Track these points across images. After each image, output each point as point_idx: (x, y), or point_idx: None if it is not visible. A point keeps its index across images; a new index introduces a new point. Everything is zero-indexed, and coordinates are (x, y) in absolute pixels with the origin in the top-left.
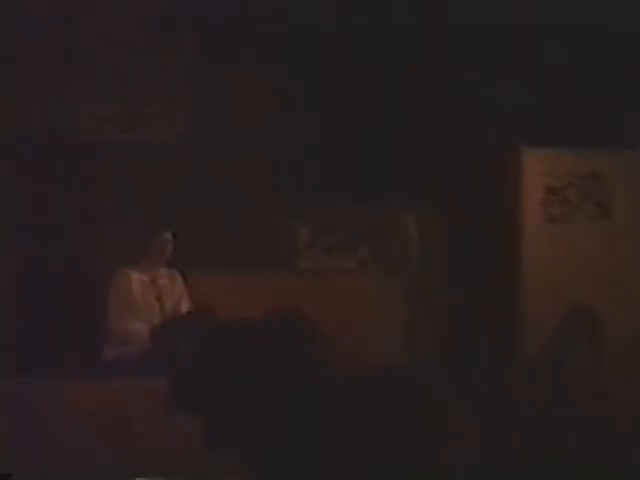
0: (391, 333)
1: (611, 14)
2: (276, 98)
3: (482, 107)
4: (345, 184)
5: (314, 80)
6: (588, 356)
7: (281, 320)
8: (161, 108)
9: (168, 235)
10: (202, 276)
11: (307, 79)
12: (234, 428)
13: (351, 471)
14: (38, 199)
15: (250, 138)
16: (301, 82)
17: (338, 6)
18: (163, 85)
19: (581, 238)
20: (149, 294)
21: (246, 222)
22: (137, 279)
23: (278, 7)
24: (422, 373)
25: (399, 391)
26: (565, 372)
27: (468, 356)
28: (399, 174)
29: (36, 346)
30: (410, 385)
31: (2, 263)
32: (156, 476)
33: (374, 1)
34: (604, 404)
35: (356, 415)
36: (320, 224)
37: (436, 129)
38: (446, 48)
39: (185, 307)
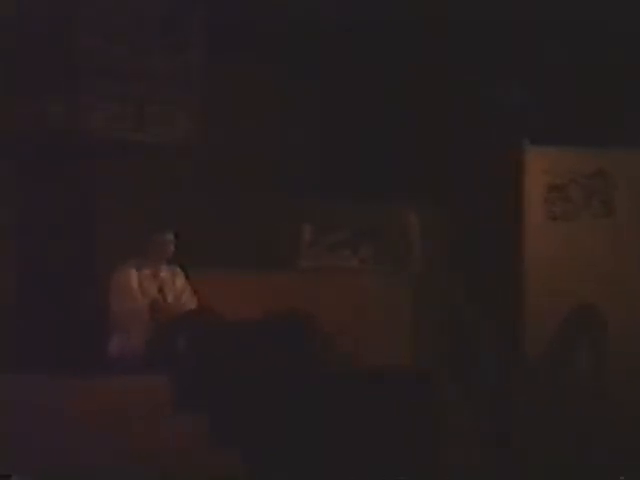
0: (392, 332)
1: (612, 14)
2: (276, 98)
3: (483, 106)
4: (346, 183)
5: (314, 80)
6: (590, 355)
7: (282, 319)
8: (164, 107)
9: (170, 235)
10: (203, 275)
11: (307, 79)
12: (235, 427)
13: (351, 471)
14: (40, 198)
15: (252, 138)
16: (301, 82)
17: (338, 6)
18: (167, 84)
19: (584, 236)
20: (151, 289)
21: (247, 221)
22: (138, 275)
23: (278, 7)
24: (423, 373)
25: (400, 391)
26: (567, 371)
27: (469, 355)
28: (400, 173)
29: (36, 344)
30: (411, 385)
31: (6, 262)
32: (157, 476)
33: (374, 1)
34: (606, 403)
35: (357, 415)
36: (321, 223)
37: (437, 128)
38: (446, 48)
39: (187, 301)
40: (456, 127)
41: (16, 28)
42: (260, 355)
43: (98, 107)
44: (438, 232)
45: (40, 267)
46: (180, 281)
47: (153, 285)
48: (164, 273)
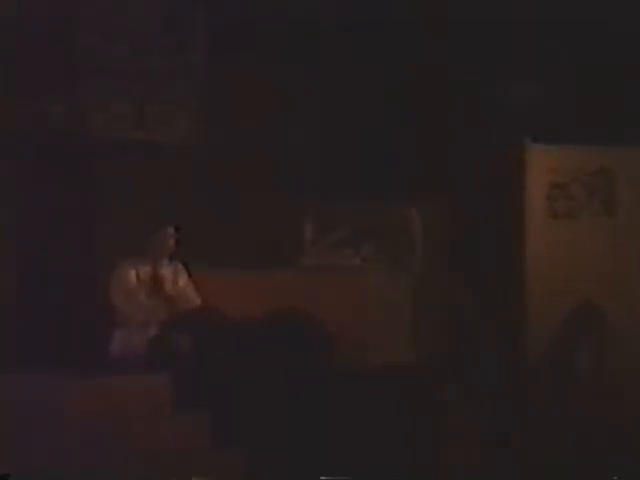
0: (393, 331)
1: (612, 14)
2: (277, 98)
3: (484, 105)
4: (348, 182)
5: (315, 80)
6: (591, 354)
7: (283, 318)
8: (164, 107)
9: (170, 229)
10: (205, 274)
11: (307, 79)
12: (236, 427)
13: (354, 470)
14: (43, 198)
15: (253, 137)
16: (302, 82)
17: (338, 6)
18: (167, 84)
19: (586, 235)
20: (152, 287)
21: (249, 220)
22: (140, 273)
23: (278, 7)
24: (425, 372)
25: (401, 390)
26: (568, 371)
27: (471, 355)
28: (402, 172)
29: (37, 344)
30: (412, 384)
31: (9, 261)
32: (158, 476)
33: (374, 1)
34: (608, 403)
35: (358, 414)
36: (323, 222)
37: (438, 127)
38: (446, 48)
39: (190, 299)
40: (457, 126)
41: (16, 28)
42: (262, 354)
43: (98, 107)
44: (440, 231)
45: (40, 267)
46: (182, 279)
47: (155, 283)
48: (166, 271)
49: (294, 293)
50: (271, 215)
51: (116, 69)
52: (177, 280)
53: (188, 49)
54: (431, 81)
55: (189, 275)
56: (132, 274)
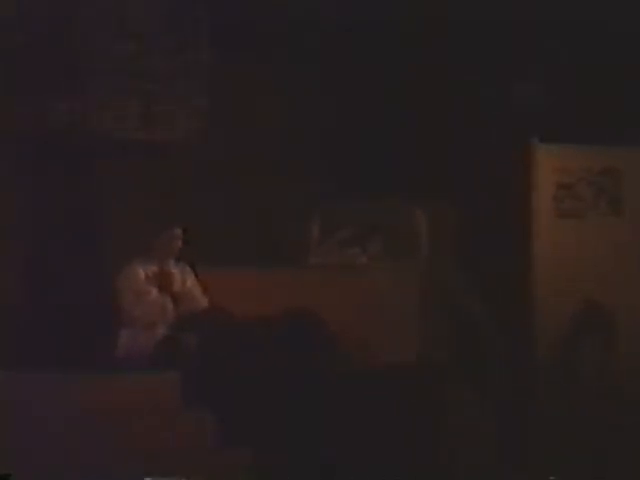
0: (399, 330)
1: (616, 13)
2: (282, 97)
3: (492, 104)
4: (355, 181)
5: (324, 79)
6: (597, 354)
7: (290, 317)
8: (170, 106)
9: (178, 231)
10: (211, 273)
11: (316, 78)
12: (241, 426)
13: (360, 470)
14: (45, 198)
15: (260, 136)
16: (308, 81)
17: (338, 6)
18: (172, 83)
19: (593, 234)
20: (159, 287)
21: (255, 219)
22: (146, 273)
23: (278, 7)
24: (430, 372)
25: (406, 390)
26: (574, 370)
27: (478, 353)
28: (408, 172)
29: (41, 343)
30: (417, 384)
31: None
32: (164, 474)
33: (374, 1)
34: (614, 403)
35: (364, 414)
36: (330, 221)
37: (446, 127)
38: (447, 47)
39: (196, 299)
40: (463, 126)
41: (18, 27)
42: (269, 353)
43: (103, 106)
44: (446, 230)
45: (45, 267)
46: (190, 280)
47: (163, 280)
48: (173, 271)
49: (300, 292)
50: (277, 214)
51: (122, 68)
52: (185, 280)
53: (189, 49)
54: (433, 80)
55: (196, 276)
56: (140, 273)
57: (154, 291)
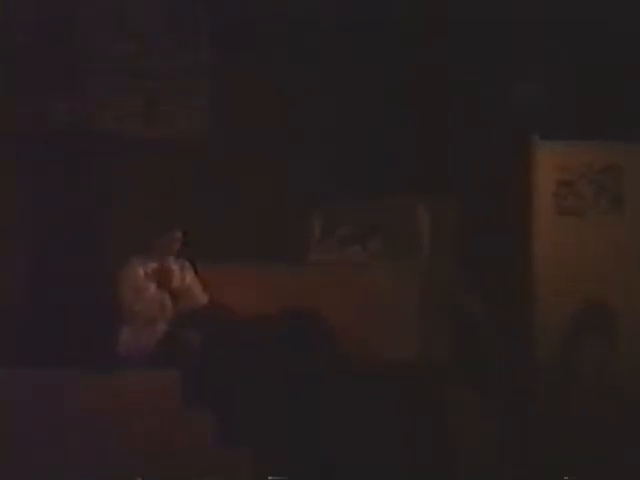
0: (399, 329)
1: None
2: (287, 96)
3: (492, 103)
4: (356, 180)
5: (327, 78)
6: (598, 354)
7: (290, 315)
8: (173, 105)
9: (178, 234)
10: (211, 270)
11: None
12: (242, 424)
13: (361, 470)
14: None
15: (263, 135)
16: (312, 81)
17: (338, 6)
18: (176, 82)
19: (593, 232)
20: (159, 285)
21: (256, 217)
22: (146, 271)
23: (278, 7)
24: (429, 371)
25: (406, 389)
26: (575, 371)
27: (478, 352)
28: (409, 170)
29: (45, 341)
30: (417, 383)
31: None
32: (165, 474)
33: (374, 1)
34: (615, 404)
35: (365, 412)
36: (331, 219)
37: (447, 125)
38: (448, 47)
39: (196, 296)
40: (464, 124)
41: (21, 27)
42: (268, 351)
43: (106, 105)
44: (446, 229)
45: (47, 266)
46: (189, 276)
47: (163, 277)
48: (172, 267)
49: (301, 290)
50: (278, 212)
51: (126, 67)
52: (184, 277)
53: (189, 49)
54: (433, 80)
55: (196, 273)
56: (140, 270)
57: (153, 287)
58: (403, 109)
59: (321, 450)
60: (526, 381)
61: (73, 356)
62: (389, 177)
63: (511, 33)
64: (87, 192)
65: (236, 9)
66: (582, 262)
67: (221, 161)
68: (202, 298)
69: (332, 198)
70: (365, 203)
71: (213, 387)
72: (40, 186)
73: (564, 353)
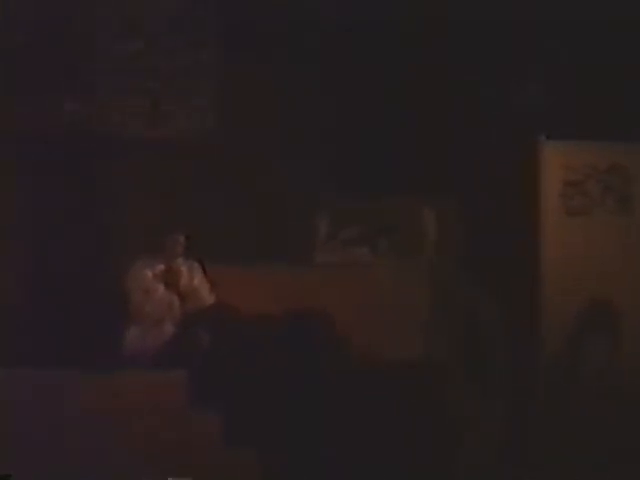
0: (406, 329)
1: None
2: (291, 96)
3: (498, 103)
4: (362, 180)
5: (335, 78)
6: (604, 353)
7: (296, 315)
8: (179, 104)
9: (181, 237)
10: (218, 270)
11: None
12: (246, 426)
13: (362, 469)
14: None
15: (267, 134)
16: (319, 80)
17: (338, 6)
18: (182, 82)
19: (600, 232)
20: (166, 285)
21: (263, 217)
22: (154, 269)
23: (278, 7)
24: (436, 370)
25: (413, 388)
26: (580, 370)
27: (484, 352)
28: (415, 170)
29: (50, 341)
30: (424, 382)
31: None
32: (170, 474)
33: (374, 1)
34: (622, 402)
35: (372, 412)
36: (337, 219)
37: (454, 126)
38: (448, 47)
39: (204, 297)
40: (470, 124)
41: (30, 26)
42: (275, 351)
43: (113, 104)
44: (453, 229)
45: (51, 266)
46: (197, 277)
47: (171, 277)
48: (181, 269)
49: (307, 290)
50: (285, 212)
51: (131, 66)
52: (192, 279)
53: (190, 49)
54: (433, 80)
55: (204, 272)
56: (148, 272)
57: (161, 288)
58: (403, 110)
59: (324, 450)
60: (531, 380)
61: (73, 356)
62: (394, 178)
63: (511, 33)
64: (87, 192)
65: (236, 9)
66: (588, 261)
67: (228, 160)
68: (210, 299)
69: (337, 199)
70: (370, 204)
71: (219, 388)
72: (40, 186)
73: (568, 352)
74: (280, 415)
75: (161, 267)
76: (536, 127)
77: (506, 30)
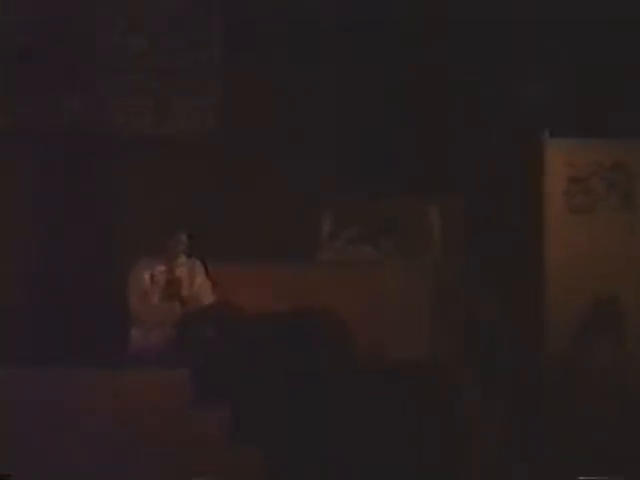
0: (410, 328)
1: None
2: (294, 95)
3: (502, 101)
4: (367, 178)
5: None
6: (609, 352)
7: (300, 314)
8: (183, 104)
9: (183, 237)
10: (222, 268)
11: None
12: (249, 424)
13: (368, 468)
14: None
15: (271, 133)
16: (322, 79)
17: (338, 6)
18: (186, 81)
19: (604, 230)
20: (167, 289)
21: (267, 216)
22: (154, 273)
23: (278, 7)
24: (440, 370)
25: (419, 387)
26: (585, 368)
27: (489, 350)
28: (420, 169)
29: (53, 341)
30: (427, 382)
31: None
32: (174, 473)
33: (374, 1)
34: (627, 400)
35: (375, 411)
36: (341, 218)
37: (458, 124)
38: (468, 46)
39: (206, 295)
40: (475, 122)
41: (33, 26)
42: (278, 350)
43: (116, 103)
44: (457, 227)
45: (51, 266)
46: (199, 278)
47: (170, 287)
48: (182, 270)
49: (311, 289)
50: (289, 211)
51: (135, 65)
52: (194, 279)
53: (190, 49)
54: (434, 80)
55: (207, 271)
56: (146, 276)
57: (161, 295)
58: (403, 110)
59: (327, 450)
60: (536, 379)
61: (74, 356)
62: (401, 176)
63: (511, 33)
64: (87, 192)
65: (236, 9)
66: (592, 260)
67: (232, 159)
68: (211, 300)
69: (338, 198)
70: (377, 202)
71: (221, 387)
72: (40, 186)
73: (572, 351)
74: (282, 415)
75: (162, 268)
76: (540, 125)
77: (506, 30)
